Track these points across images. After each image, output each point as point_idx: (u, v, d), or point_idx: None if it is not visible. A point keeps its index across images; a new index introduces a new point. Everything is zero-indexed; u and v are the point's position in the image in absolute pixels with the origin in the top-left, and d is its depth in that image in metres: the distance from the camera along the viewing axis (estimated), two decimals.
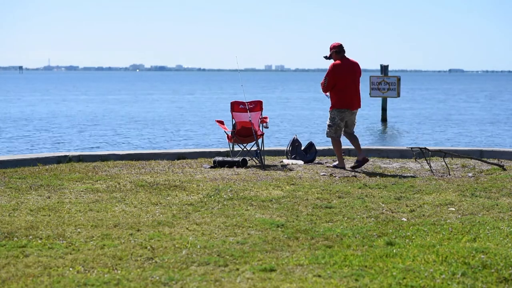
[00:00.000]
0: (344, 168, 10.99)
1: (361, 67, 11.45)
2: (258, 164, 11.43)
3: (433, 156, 11.88)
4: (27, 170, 10.49)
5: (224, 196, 8.31)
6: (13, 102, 48.69)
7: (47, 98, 55.67)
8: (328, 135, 11.20)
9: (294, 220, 7.01)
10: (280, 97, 60.15)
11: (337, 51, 11.12)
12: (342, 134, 11.22)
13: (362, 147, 11.44)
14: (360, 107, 11.25)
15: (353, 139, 11.22)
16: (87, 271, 5.26)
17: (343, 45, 11.14)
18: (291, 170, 10.82)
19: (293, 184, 9.32)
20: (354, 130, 11.30)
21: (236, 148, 12.04)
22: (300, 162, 11.76)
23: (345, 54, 11.16)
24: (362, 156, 10.95)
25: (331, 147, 11.67)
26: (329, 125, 11.15)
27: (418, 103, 50.07)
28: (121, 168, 10.84)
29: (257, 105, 11.96)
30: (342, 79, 10.99)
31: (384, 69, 25.53)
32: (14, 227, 6.59)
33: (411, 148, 11.55)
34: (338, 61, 11.08)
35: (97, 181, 9.47)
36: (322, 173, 10.39)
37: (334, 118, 11.09)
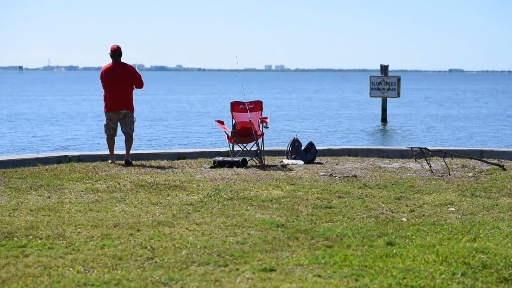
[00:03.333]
0: None
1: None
2: (258, 164, 11.42)
3: (433, 156, 11.87)
4: (27, 170, 10.48)
5: (224, 196, 8.31)
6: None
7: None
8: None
9: (294, 220, 7.01)
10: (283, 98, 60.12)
11: None
12: None
13: (362, 146, 11.44)
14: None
15: None
16: (87, 271, 5.26)
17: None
18: (291, 170, 10.82)
19: (293, 184, 9.32)
20: None
21: (236, 148, 12.04)
22: (300, 162, 11.76)
23: None
24: None
25: (331, 147, 11.66)
26: None
27: (418, 103, 50.05)
28: (121, 168, 10.84)
29: (257, 105, 11.96)
30: None
31: (384, 69, 25.53)
32: (14, 227, 6.59)
33: (411, 148, 11.55)
34: None
35: (97, 181, 9.47)
36: (322, 173, 10.39)
37: None
